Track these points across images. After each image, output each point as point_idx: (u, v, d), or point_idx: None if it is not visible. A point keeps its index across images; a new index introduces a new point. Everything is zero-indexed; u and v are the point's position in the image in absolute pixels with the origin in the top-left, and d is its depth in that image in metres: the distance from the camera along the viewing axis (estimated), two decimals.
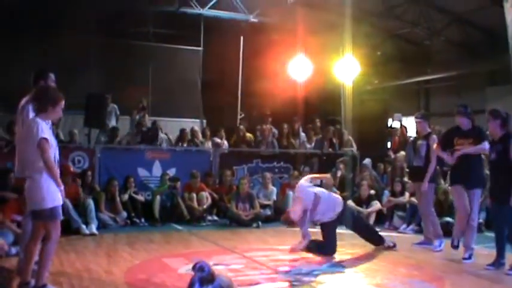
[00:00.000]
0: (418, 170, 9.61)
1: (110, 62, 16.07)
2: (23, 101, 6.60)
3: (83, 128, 13.64)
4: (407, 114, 16.28)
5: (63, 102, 6.10)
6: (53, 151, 5.92)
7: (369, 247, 9.70)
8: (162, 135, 14.26)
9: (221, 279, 2.67)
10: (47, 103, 5.96)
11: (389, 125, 18.17)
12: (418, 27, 18.30)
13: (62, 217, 6.04)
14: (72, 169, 11.65)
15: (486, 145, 8.24)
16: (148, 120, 14.66)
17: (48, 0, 14.74)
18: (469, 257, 8.32)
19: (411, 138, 10.17)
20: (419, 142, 9.61)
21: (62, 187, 5.91)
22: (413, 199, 11.05)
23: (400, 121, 15.87)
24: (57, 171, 5.87)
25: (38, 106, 5.95)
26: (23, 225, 6.84)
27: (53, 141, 5.96)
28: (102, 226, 10.86)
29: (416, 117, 9.98)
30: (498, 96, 16.44)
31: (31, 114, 6.08)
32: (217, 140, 14.18)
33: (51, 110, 5.96)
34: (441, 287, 6.83)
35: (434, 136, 9.67)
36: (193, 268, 2.67)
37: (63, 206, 8.79)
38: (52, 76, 7.04)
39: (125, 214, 11.43)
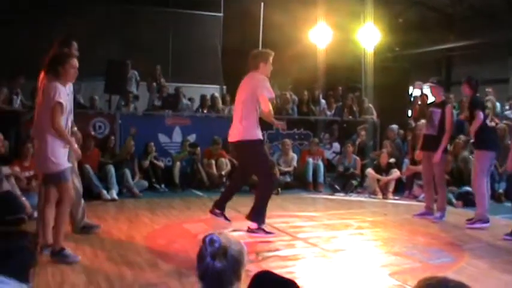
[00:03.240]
0: (430, 138, 9.13)
1: (130, 29, 16.06)
2: None
3: (103, 94, 13.69)
4: (428, 82, 16.13)
5: (74, 62, 6.12)
6: (66, 117, 5.98)
7: (388, 215, 9.75)
8: (185, 101, 14.26)
9: (232, 248, 2.60)
10: (57, 65, 5.98)
11: (410, 93, 18.05)
12: None
13: (69, 180, 6.12)
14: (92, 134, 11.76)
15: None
16: (168, 86, 14.68)
17: None
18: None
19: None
20: (433, 109, 9.14)
21: (77, 151, 5.99)
22: None
23: (421, 89, 15.73)
24: (67, 136, 5.91)
25: (51, 72, 5.99)
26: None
27: (68, 106, 6.02)
28: (127, 191, 10.98)
29: (431, 82, 9.44)
30: None
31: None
32: None
33: (62, 72, 5.98)
34: (459, 256, 6.82)
35: (450, 105, 9.27)
36: (203, 241, 2.60)
37: (84, 172, 8.91)
38: (75, 44, 7.08)
39: (145, 183, 11.48)
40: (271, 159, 8.20)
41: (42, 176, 6.18)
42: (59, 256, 5.86)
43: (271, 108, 7.37)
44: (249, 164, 7.65)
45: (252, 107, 7.32)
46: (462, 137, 12.12)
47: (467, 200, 10.44)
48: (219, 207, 7.71)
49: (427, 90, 15.68)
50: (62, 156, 5.94)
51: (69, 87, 6.25)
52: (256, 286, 2.49)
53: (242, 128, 7.35)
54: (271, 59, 7.48)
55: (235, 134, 7.46)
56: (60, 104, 5.80)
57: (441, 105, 9.12)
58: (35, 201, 8.20)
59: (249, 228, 7.43)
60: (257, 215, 7.48)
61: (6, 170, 8.44)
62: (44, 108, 5.92)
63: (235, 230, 7.28)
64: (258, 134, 7.38)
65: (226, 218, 7.70)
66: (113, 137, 11.70)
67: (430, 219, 9.11)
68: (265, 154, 7.64)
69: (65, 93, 5.92)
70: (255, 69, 7.40)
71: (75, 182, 7.19)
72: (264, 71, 7.41)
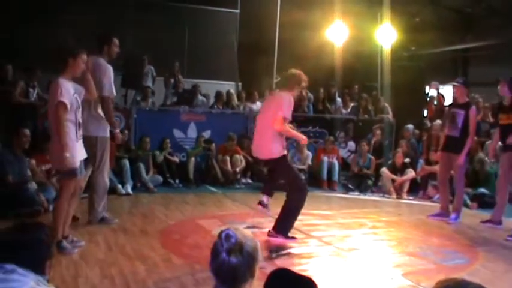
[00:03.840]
0: (453, 140, 8.97)
1: (147, 24, 16.06)
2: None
3: (119, 89, 13.73)
4: (444, 82, 16.06)
5: (84, 56, 6.16)
6: (73, 112, 5.98)
7: (403, 216, 9.72)
8: (201, 97, 14.27)
9: (248, 245, 2.60)
10: (67, 56, 6.02)
11: (426, 93, 17.97)
12: None
13: (78, 178, 6.16)
14: None
15: None
16: (184, 82, 14.70)
17: None
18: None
19: (447, 106, 9.59)
20: (456, 110, 9.00)
21: (67, 154, 5.82)
22: None
23: (438, 89, 15.67)
24: (66, 137, 5.85)
25: (60, 64, 6.03)
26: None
27: (74, 102, 6.02)
28: (141, 185, 11.02)
29: (458, 82, 9.27)
30: None
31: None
32: (253, 107, 14.05)
33: (72, 63, 6.02)
34: (473, 258, 6.80)
35: (474, 107, 9.14)
36: (219, 236, 2.59)
37: None
38: (116, 41, 7.16)
39: (160, 178, 11.50)
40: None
41: (55, 169, 6.24)
42: (57, 247, 5.86)
43: (285, 128, 7.15)
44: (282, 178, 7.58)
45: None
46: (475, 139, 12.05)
47: (483, 202, 10.39)
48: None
49: (443, 90, 15.65)
50: (76, 151, 5.99)
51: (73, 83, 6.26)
52: (273, 283, 2.48)
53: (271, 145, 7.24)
54: (304, 84, 7.42)
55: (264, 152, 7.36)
56: (63, 103, 5.81)
57: (465, 106, 8.98)
58: (52, 195, 8.29)
59: (269, 232, 7.29)
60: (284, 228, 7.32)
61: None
62: (51, 106, 5.98)
63: (249, 227, 7.28)
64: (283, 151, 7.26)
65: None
66: (126, 132, 11.69)
67: (445, 221, 9.05)
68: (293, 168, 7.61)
69: (68, 90, 5.92)
70: (288, 90, 7.21)
71: (104, 177, 7.29)
72: (295, 93, 7.30)
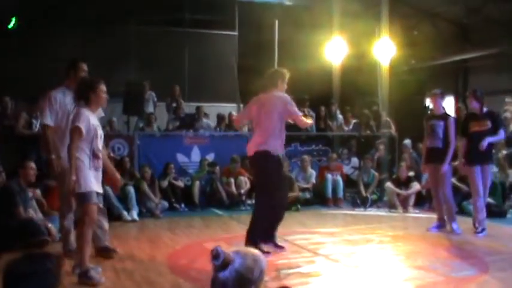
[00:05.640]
0: (436, 151, 9.08)
1: (147, 50, 16.20)
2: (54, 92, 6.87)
3: (121, 116, 13.79)
4: (445, 94, 16.08)
5: (103, 86, 6.21)
6: (90, 141, 5.98)
7: (409, 229, 9.72)
8: (205, 120, 14.31)
9: (240, 261, 2.63)
10: (87, 91, 6.06)
11: (426, 106, 18.00)
12: (456, 6, 18.02)
13: (96, 202, 6.12)
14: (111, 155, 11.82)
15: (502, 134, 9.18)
16: (185, 106, 14.76)
17: None
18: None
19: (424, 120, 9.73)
20: (434, 122, 9.14)
21: (74, 178, 5.79)
22: (453, 181, 10.66)
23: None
24: (74, 162, 5.84)
25: (82, 100, 6.07)
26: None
27: (98, 130, 6.07)
28: (147, 211, 11.04)
29: (434, 93, 9.46)
30: None
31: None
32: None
33: (93, 97, 6.07)
34: (482, 269, 6.77)
35: (452, 118, 9.24)
36: (211, 254, 2.67)
37: (105, 193, 8.95)
38: (83, 65, 7.16)
39: (165, 204, 11.48)
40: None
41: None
42: (84, 278, 5.90)
43: (305, 120, 7.65)
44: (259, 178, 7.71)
45: (281, 125, 7.40)
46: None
47: (489, 212, 10.36)
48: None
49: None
50: (88, 177, 5.96)
51: (96, 111, 6.32)
52: None
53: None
54: (287, 78, 7.57)
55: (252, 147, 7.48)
56: (78, 128, 5.83)
57: (443, 117, 9.19)
58: (57, 224, 8.29)
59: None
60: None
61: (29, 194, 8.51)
62: (67, 131, 6.06)
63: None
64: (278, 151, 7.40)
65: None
66: (127, 159, 11.70)
67: (447, 232, 9.17)
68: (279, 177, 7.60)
69: (88, 120, 5.94)
70: (274, 87, 7.48)
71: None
72: (281, 88, 7.52)
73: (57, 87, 7.10)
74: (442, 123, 9.07)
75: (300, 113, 7.60)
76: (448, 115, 9.32)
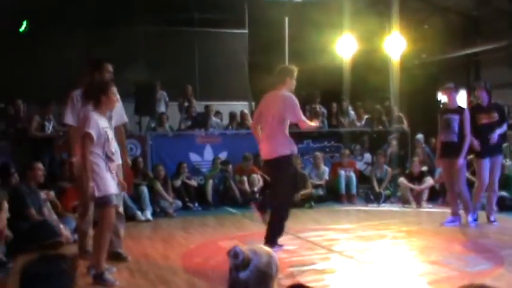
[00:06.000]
0: (451, 145, 9.03)
1: (157, 50, 16.22)
2: (77, 92, 6.85)
3: (133, 116, 13.83)
4: (457, 87, 16.01)
5: (114, 89, 6.22)
6: (102, 144, 5.96)
7: (423, 224, 9.69)
8: (214, 119, 14.32)
9: (258, 259, 2.64)
10: (99, 94, 6.06)
11: (439, 100, 17.93)
12: None
13: (115, 204, 6.16)
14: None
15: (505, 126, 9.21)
16: (197, 105, 14.77)
17: None
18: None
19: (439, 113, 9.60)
20: (450, 116, 9.08)
21: (92, 184, 5.82)
22: (467, 174, 10.58)
23: None
24: (90, 168, 5.85)
25: (92, 102, 6.06)
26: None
27: (108, 133, 6.05)
28: (160, 211, 11.05)
29: (448, 87, 9.43)
30: None
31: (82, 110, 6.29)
32: None
33: (104, 100, 6.05)
34: (497, 263, 6.74)
35: (467, 112, 9.12)
36: (228, 255, 2.66)
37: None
38: (108, 66, 7.16)
39: (179, 203, 11.48)
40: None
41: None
42: (99, 279, 5.93)
43: (308, 123, 7.64)
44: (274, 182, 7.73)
45: (283, 126, 7.40)
46: None
47: (503, 205, 10.33)
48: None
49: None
50: (107, 180, 5.96)
51: (106, 113, 6.32)
52: None
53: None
54: (295, 74, 7.55)
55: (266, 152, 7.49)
56: (89, 134, 5.80)
57: (458, 111, 9.14)
58: (72, 226, 8.36)
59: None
60: None
61: (42, 195, 8.55)
62: (77, 136, 6.05)
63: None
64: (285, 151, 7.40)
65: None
66: (140, 159, 11.73)
67: (458, 226, 9.16)
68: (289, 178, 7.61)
69: (98, 124, 5.91)
70: (282, 84, 7.47)
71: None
72: (290, 85, 7.51)
73: (79, 88, 7.06)
74: (457, 117, 9.01)
75: (302, 117, 7.50)
76: (464, 108, 9.27)
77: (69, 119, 6.96)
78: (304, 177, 12.12)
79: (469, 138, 8.95)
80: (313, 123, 7.86)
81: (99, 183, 5.87)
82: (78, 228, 7.40)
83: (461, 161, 8.92)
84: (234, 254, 2.61)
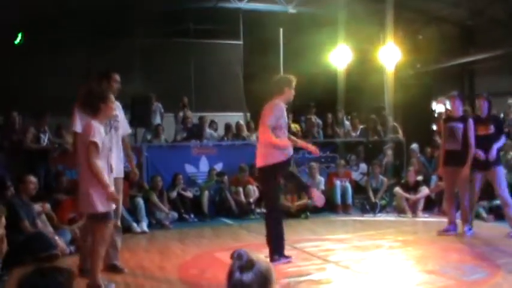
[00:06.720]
0: (455, 154, 8.97)
1: (153, 61, 16.26)
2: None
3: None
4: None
5: (112, 97, 6.20)
6: (106, 155, 5.96)
7: (419, 234, 9.70)
8: (209, 130, 14.31)
9: (260, 263, 2.65)
10: (98, 102, 6.00)
11: (433, 109, 17.97)
12: (459, 8, 18.02)
13: (113, 219, 6.14)
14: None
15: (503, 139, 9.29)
16: (192, 117, 14.78)
17: (93, 6, 14.94)
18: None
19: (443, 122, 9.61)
20: (454, 124, 9.06)
21: (110, 189, 5.80)
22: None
23: (445, 104, 15.71)
24: (104, 175, 5.80)
25: (90, 110, 6.00)
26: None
27: (107, 144, 6.03)
28: (156, 222, 11.02)
29: (452, 95, 9.38)
30: None
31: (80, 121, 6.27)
32: None
33: (103, 108, 5.98)
34: (494, 272, 6.75)
35: (471, 120, 9.07)
36: (232, 256, 2.66)
37: None
38: (116, 76, 7.15)
39: (175, 215, 11.42)
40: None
41: (87, 214, 6.20)
42: None
43: (271, 138, 7.16)
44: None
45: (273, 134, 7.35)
46: None
47: (499, 214, 10.33)
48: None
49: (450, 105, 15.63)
50: (102, 196, 5.86)
51: (105, 122, 6.31)
52: None
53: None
54: (293, 84, 7.50)
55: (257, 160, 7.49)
56: (94, 143, 5.75)
57: (462, 119, 9.07)
58: (68, 238, 8.33)
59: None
60: None
61: (37, 207, 8.52)
62: (82, 147, 5.94)
63: (266, 257, 7.26)
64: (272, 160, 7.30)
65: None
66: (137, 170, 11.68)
67: (454, 234, 9.15)
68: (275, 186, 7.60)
69: (100, 132, 5.88)
70: (280, 94, 7.42)
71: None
72: (288, 95, 7.45)
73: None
74: (461, 125, 8.99)
75: (268, 123, 7.16)
76: (468, 117, 9.23)
77: (77, 127, 6.93)
78: (303, 184, 12.08)
79: (473, 147, 8.90)
80: (281, 142, 7.25)
81: (102, 198, 5.83)
82: (79, 243, 7.34)
83: (467, 170, 8.86)
84: (238, 255, 2.62)
